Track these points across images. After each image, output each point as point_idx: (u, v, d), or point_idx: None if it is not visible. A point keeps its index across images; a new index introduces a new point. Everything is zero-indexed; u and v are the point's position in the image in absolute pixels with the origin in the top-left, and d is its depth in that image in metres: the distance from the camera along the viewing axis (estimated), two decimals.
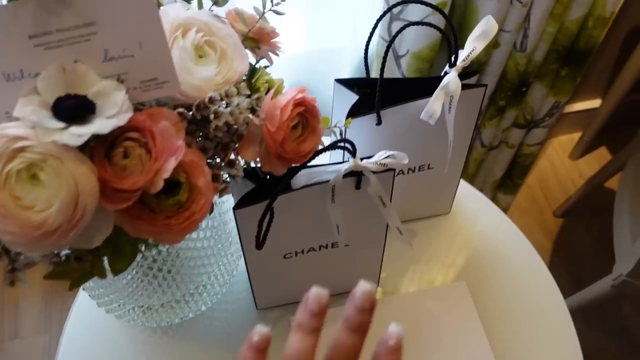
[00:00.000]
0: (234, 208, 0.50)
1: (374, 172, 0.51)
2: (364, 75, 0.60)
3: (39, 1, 0.35)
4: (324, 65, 1.03)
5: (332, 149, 0.47)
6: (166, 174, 0.35)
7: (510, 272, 0.72)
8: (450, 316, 0.68)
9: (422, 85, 0.57)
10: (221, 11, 0.47)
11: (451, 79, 0.55)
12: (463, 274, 0.72)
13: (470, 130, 0.63)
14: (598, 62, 1.37)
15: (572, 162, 1.58)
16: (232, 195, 0.54)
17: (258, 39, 0.49)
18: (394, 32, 0.90)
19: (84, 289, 0.64)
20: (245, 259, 0.58)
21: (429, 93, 0.56)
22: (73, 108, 0.34)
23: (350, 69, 1.00)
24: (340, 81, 0.58)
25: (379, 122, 0.57)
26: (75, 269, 0.39)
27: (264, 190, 0.50)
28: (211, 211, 0.44)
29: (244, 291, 0.70)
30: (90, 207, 0.34)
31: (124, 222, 0.37)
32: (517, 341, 0.67)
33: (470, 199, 0.79)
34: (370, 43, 0.57)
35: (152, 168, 0.35)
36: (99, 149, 0.35)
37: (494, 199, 1.38)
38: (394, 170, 0.52)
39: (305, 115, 0.43)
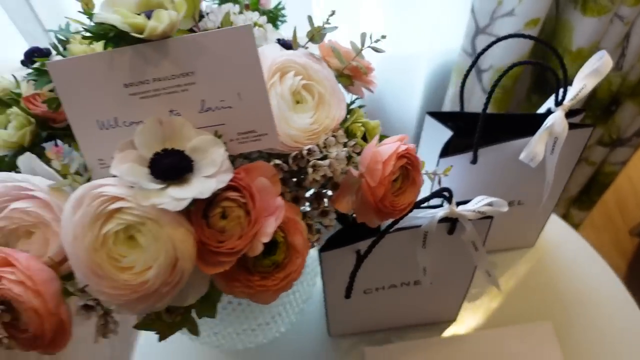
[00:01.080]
0: (320, 250, 0.48)
1: (470, 219, 0.48)
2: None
3: (136, 49, 0.33)
4: (399, 74, 0.99)
5: (432, 198, 0.44)
6: (266, 239, 0.33)
7: (598, 311, 0.67)
8: (533, 357, 0.64)
9: (521, 121, 0.53)
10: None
11: (557, 119, 0.50)
12: (547, 311, 0.67)
13: (570, 170, 0.58)
14: None
15: None
16: None
17: (353, 75, 0.46)
18: (478, 47, 0.85)
19: None
20: (325, 297, 0.56)
21: (529, 130, 0.51)
22: (171, 168, 0.32)
23: (425, 79, 0.96)
24: (433, 114, 0.54)
25: (474, 161, 0.53)
26: (165, 321, 0.37)
27: (351, 232, 0.48)
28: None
29: (317, 318, 0.68)
30: (188, 271, 0.32)
31: (218, 282, 0.35)
32: None
33: (553, 227, 0.74)
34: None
35: (251, 232, 0.33)
36: (196, 210, 0.33)
37: (566, 214, 1.30)
38: (492, 218, 0.48)
39: (407, 167, 0.40)
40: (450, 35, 0.91)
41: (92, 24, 0.34)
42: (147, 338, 0.69)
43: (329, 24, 0.41)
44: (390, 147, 0.38)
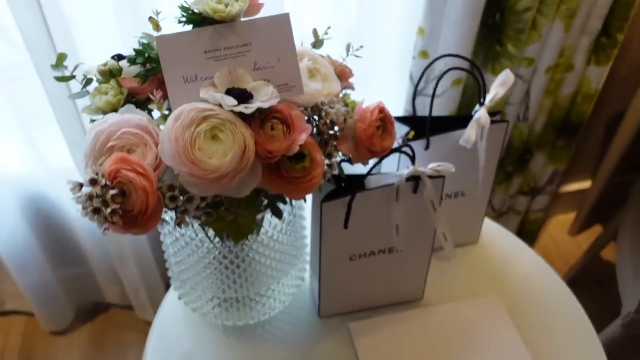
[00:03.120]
0: (322, 201, 0.64)
1: (429, 177, 0.66)
2: None
3: (215, 28, 0.52)
4: None
5: (400, 150, 0.62)
6: (300, 142, 0.50)
7: (530, 289, 0.84)
8: (486, 322, 0.79)
9: (458, 121, 0.74)
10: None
11: (482, 114, 0.72)
12: (493, 291, 0.83)
13: (496, 161, 0.78)
14: (587, 145, 1.57)
15: (572, 238, 1.72)
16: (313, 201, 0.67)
17: (340, 76, 0.65)
18: (418, 107, 1.08)
19: (174, 289, 0.74)
20: (320, 256, 0.70)
21: (466, 125, 0.72)
22: (240, 94, 0.49)
23: None
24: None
25: (427, 147, 0.73)
26: (222, 216, 0.51)
27: (343, 192, 0.64)
28: (279, 216, 0.58)
29: (308, 304, 0.81)
30: (251, 159, 0.48)
31: (265, 181, 0.51)
32: (546, 348, 0.77)
33: (491, 230, 0.93)
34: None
35: (290, 138, 0.50)
36: (255, 123, 0.50)
37: None
38: (444, 177, 0.67)
39: (385, 120, 0.58)
40: (394, 103, 1.15)
41: (182, 14, 0.52)
42: (161, 326, 0.79)
43: (327, 34, 0.62)
44: (373, 104, 0.57)
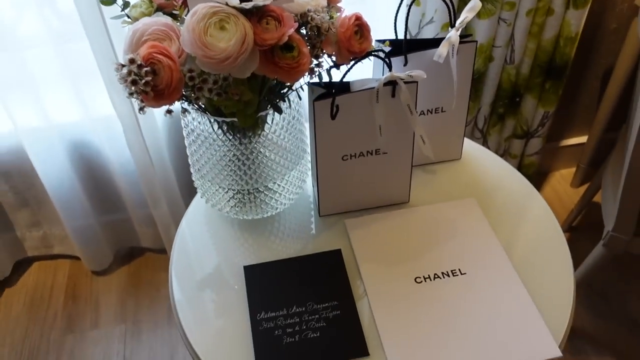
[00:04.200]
0: (314, 101, 0.78)
1: (405, 83, 0.79)
2: None
3: None
4: None
5: (377, 55, 0.76)
6: (289, 33, 0.64)
7: (505, 195, 0.96)
8: (464, 219, 0.91)
9: (434, 42, 0.87)
10: None
11: (452, 34, 0.85)
12: (472, 195, 0.96)
13: (469, 80, 0.91)
14: (585, 99, 1.67)
15: (574, 191, 1.82)
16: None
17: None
18: None
19: (196, 187, 0.90)
20: (316, 154, 0.84)
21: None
22: None
23: None
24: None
25: (405, 64, 0.86)
26: (230, 96, 0.66)
27: (330, 94, 0.78)
28: (279, 111, 0.72)
29: (310, 207, 0.95)
30: (250, 46, 0.62)
31: (261, 67, 0.65)
32: (514, 240, 0.89)
33: (474, 149, 1.05)
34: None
35: (281, 31, 0.64)
36: (254, 18, 0.64)
37: None
38: (417, 82, 0.80)
39: (361, 27, 0.72)
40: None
41: None
42: (187, 226, 0.94)
43: None
44: (351, 13, 0.71)
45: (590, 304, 1.49)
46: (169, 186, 1.44)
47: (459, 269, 0.83)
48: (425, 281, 0.82)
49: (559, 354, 0.72)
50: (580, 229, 1.69)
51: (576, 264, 1.32)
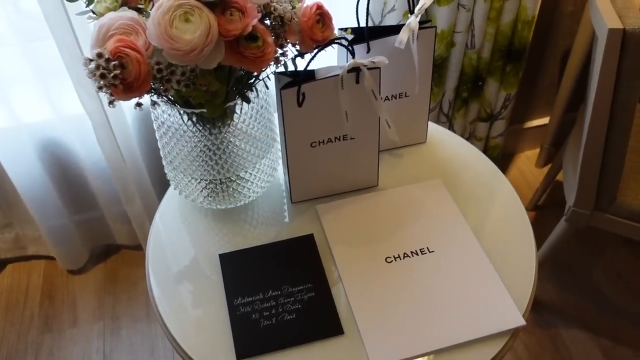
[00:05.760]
0: (281, 89, 0.80)
1: (368, 69, 0.82)
2: None
3: None
4: None
5: (340, 43, 0.78)
6: (253, 23, 0.66)
7: (470, 175, 1.00)
8: (431, 200, 0.95)
9: (396, 29, 0.89)
10: None
11: (412, 20, 0.88)
12: (437, 176, 1.00)
13: (430, 64, 0.94)
14: (546, 82, 1.72)
15: (539, 171, 1.88)
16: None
17: None
18: None
19: (169, 179, 0.91)
20: (285, 142, 0.86)
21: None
22: None
23: None
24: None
25: (368, 51, 0.89)
26: (200, 86, 0.68)
27: (296, 83, 0.81)
28: (247, 101, 0.74)
29: (281, 194, 0.98)
30: (215, 37, 0.64)
31: (227, 57, 0.67)
32: (479, 218, 0.93)
33: (439, 132, 1.09)
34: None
35: (245, 21, 0.66)
36: (217, 10, 0.66)
37: None
38: (380, 68, 0.83)
39: (323, 16, 0.74)
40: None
41: None
42: (163, 216, 0.95)
43: None
44: (312, 2, 0.74)
45: (557, 278, 1.55)
46: (142, 182, 1.45)
47: (427, 248, 0.87)
48: (396, 260, 0.85)
49: (522, 322, 0.76)
50: (546, 207, 1.75)
51: (542, 240, 1.39)
